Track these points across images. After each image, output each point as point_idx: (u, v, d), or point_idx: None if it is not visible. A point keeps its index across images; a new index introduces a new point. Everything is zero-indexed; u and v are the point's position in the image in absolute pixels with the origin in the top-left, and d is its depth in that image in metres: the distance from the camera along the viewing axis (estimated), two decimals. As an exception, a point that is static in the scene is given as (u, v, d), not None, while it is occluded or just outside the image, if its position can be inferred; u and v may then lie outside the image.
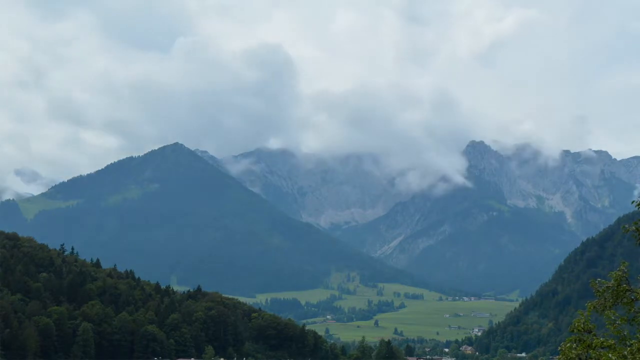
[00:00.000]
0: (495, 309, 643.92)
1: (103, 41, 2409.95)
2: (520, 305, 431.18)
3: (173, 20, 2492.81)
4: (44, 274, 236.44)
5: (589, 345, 29.25)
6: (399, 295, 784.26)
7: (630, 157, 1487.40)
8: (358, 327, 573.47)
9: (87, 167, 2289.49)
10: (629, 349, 28.58)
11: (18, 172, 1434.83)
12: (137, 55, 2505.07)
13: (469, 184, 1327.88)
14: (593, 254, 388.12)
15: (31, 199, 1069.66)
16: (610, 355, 28.31)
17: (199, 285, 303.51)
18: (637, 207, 29.97)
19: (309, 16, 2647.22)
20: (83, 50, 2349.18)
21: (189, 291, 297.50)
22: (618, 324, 29.74)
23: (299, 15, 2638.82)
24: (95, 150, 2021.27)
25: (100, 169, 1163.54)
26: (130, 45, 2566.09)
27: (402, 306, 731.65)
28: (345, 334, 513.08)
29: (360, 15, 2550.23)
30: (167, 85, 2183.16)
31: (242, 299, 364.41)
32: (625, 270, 30.19)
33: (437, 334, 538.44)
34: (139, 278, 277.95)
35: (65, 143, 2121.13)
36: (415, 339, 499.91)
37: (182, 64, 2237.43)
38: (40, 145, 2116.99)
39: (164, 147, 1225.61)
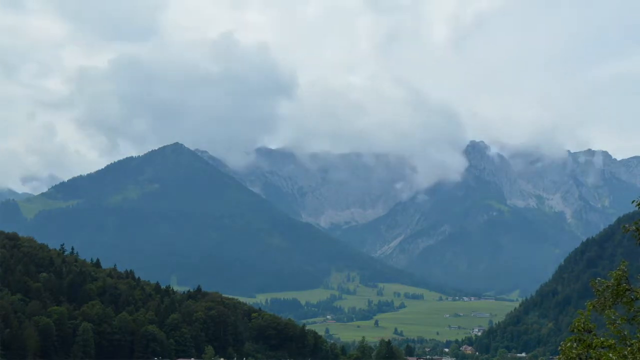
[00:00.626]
0: (495, 309, 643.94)
1: (74, 32, 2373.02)
2: (520, 305, 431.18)
3: (147, 8, 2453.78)
4: (44, 274, 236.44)
5: (589, 345, 29.24)
6: (399, 295, 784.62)
7: (630, 157, 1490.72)
8: (358, 327, 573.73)
9: (87, 167, 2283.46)
10: (629, 348, 28.57)
11: (18, 172, 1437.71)
12: (117, 46, 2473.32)
13: (469, 184, 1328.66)
14: (593, 254, 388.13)
15: (31, 199, 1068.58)
16: (610, 354, 28.29)
17: (199, 285, 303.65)
18: (637, 207, 29.98)
19: (284, 6, 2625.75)
20: (56, 43, 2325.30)
21: (189, 291, 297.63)
22: (618, 323, 29.74)
23: (275, 6, 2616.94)
24: (91, 148, 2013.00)
25: (100, 168, 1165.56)
26: (110, 37, 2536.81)
27: (402, 306, 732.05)
28: (345, 334, 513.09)
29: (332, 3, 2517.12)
30: (154, 81, 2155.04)
31: (242, 299, 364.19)
32: (625, 270, 30.20)
33: (437, 334, 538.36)
34: (139, 278, 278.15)
35: (64, 142, 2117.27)
36: (415, 339, 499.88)
37: (162, 55, 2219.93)
38: (40, 144, 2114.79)
39: (164, 147, 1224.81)
